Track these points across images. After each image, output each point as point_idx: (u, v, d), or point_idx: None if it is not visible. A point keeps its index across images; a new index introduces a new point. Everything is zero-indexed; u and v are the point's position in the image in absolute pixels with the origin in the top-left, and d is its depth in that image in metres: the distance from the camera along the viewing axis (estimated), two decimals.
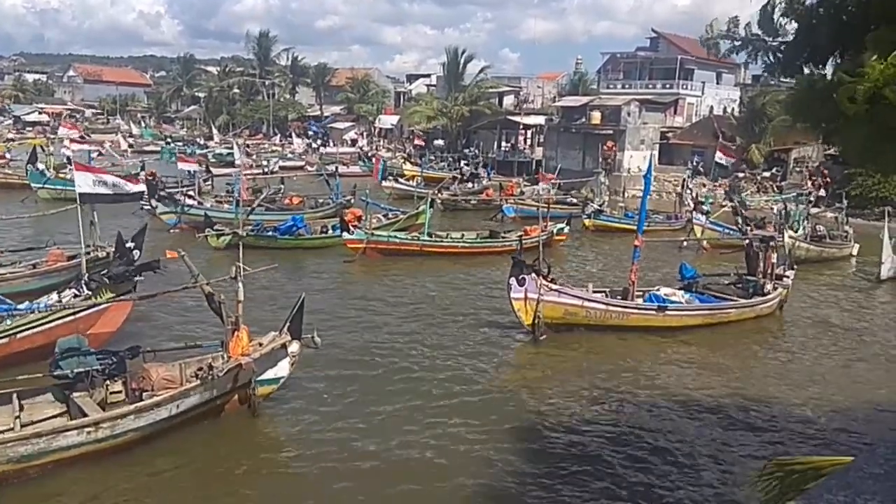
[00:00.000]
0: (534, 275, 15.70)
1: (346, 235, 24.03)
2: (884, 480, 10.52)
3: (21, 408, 10.17)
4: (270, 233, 25.10)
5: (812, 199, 36.95)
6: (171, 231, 25.80)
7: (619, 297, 17.15)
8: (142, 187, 18.64)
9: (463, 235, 26.78)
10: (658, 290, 18.18)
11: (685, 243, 26.41)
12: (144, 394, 10.63)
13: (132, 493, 9.41)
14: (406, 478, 10.04)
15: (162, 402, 10.27)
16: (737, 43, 7.41)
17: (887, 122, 5.17)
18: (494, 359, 15.09)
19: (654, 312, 17.02)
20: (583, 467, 10.47)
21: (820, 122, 6.33)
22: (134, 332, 14.25)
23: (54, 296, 13.98)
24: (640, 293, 17.48)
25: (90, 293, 13.50)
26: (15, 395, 10.19)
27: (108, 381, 10.57)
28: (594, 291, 17.19)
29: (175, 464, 10.13)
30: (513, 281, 15.61)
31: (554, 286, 16.07)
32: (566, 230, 27.44)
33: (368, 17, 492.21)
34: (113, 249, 16.41)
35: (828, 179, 41.36)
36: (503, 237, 26.78)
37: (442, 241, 25.63)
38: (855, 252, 28.52)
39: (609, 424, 11.99)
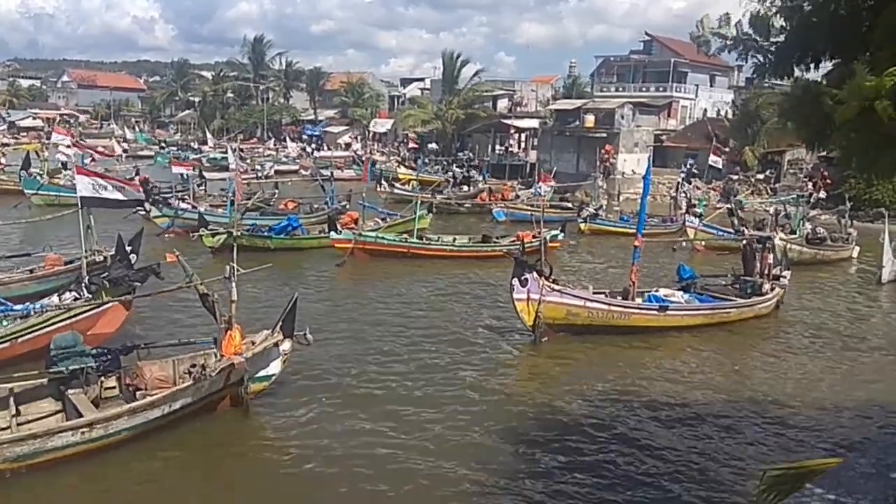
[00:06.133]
0: (535, 275, 15.71)
1: (333, 235, 24.08)
2: (875, 479, 10.55)
3: (17, 405, 10.23)
4: (265, 233, 25.14)
5: (812, 201, 37.05)
6: (166, 236, 25.76)
7: (619, 298, 17.20)
8: (141, 196, 18.30)
9: (455, 239, 26.76)
10: (657, 290, 18.25)
11: (684, 244, 26.51)
12: (138, 392, 10.70)
13: (126, 491, 9.43)
14: (399, 477, 10.02)
15: (156, 402, 10.29)
16: (728, 42, 7.45)
17: (877, 130, 5.21)
18: (490, 360, 15.08)
19: (655, 312, 17.06)
20: (583, 469, 10.45)
21: (814, 127, 6.36)
22: (129, 330, 14.26)
23: (55, 298, 14.01)
24: (640, 294, 17.52)
25: (90, 296, 13.55)
26: (11, 393, 10.23)
27: (102, 378, 10.63)
28: (594, 292, 17.23)
29: (167, 461, 10.14)
30: (515, 281, 15.56)
31: (556, 287, 16.07)
32: (560, 237, 27.22)
33: (364, 21, 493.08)
34: (110, 254, 16.39)
35: (828, 181, 41.43)
36: (495, 241, 26.78)
37: (431, 244, 25.59)
38: (855, 255, 28.55)
39: (610, 426, 11.98)
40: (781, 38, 6.97)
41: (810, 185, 42.18)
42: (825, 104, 5.55)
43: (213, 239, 22.92)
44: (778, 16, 6.64)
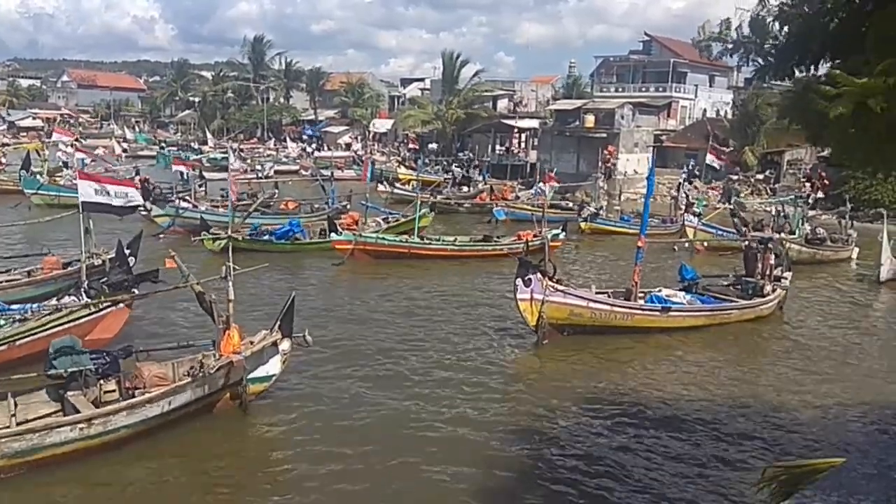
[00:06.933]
0: (539, 275, 15.71)
1: (333, 236, 24.09)
2: (877, 481, 10.57)
3: (16, 407, 10.23)
4: (267, 237, 25.16)
5: (810, 201, 37.06)
6: (161, 236, 25.68)
7: (621, 298, 17.20)
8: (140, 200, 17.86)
9: (456, 239, 26.77)
10: (659, 291, 18.25)
11: (686, 245, 26.50)
12: (137, 391, 10.70)
13: (124, 490, 9.43)
14: (398, 478, 10.02)
15: (154, 399, 10.31)
16: (729, 45, 7.48)
17: (874, 124, 5.25)
18: (493, 360, 15.06)
19: (657, 313, 17.07)
20: (584, 470, 10.44)
21: (811, 123, 6.38)
22: (127, 332, 14.23)
23: (53, 302, 13.98)
24: (642, 294, 17.52)
25: (89, 301, 13.53)
26: (10, 395, 10.23)
27: (101, 381, 10.62)
28: (597, 293, 17.24)
29: (166, 461, 10.16)
30: (519, 281, 15.57)
31: (559, 287, 16.06)
32: (561, 236, 27.10)
33: (364, 21, 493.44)
34: (109, 257, 16.36)
35: (826, 182, 41.44)
36: (496, 241, 26.80)
37: (431, 244, 25.57)
38: (855, 255, 28.56)
39: (611, 425, 11.98)
40: (781, 40, 7.00)
41: (808, 185, 42.17)
42: (817, 102, 5.57)
43: (214, 243, 22.93)
44: (776, 22, 6.68)
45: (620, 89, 57.75)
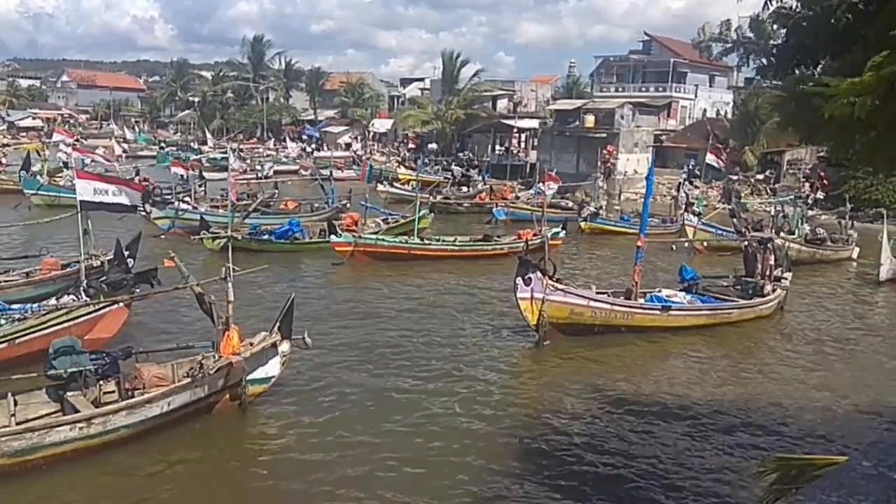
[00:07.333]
0: (539, 274, 15.71)
1: (333, 238, 24.08)
2: (877, 481, 10.57)
3: (16, 406, 10.24)
4: (266, 237, 25.16)
5: (809, 201, 37.03)
6: (163, 237, 25.69)
7: (622, 298, 17.19)
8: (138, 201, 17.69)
9: (456, 239, 26.77)
10: (659, 291, 18.26)
11: (686, 244, 26.47)
12: (136, 392, 10.71)
13: (124, 490, 9.43)
14: (399, 477, 10.02)
15: (153, 399, 10.32)
16: (728, 45, 7.51)
17: (871, 122, 5.29)
18: (492, 360, 15.06)
19: (658, 312, 17.07)
20: (584, 467, 10.46)
21: (808, 124, 6.42)
22: (127, 332, 14.23)
23: (52, 301, 13.99)
24: (642, 294, 17.52)
25: (88, 300, 13.54)
26: (10, 395, 10.24)
27: (101, 382, 10.63)
28: (597, 292, 17.23)
29: (166, 461, 10.15)
30: (519, 281, 15.56)
31: (560, 286, 16.06)
32: (561, 235, 27.23)
33: (363, 21, 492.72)
34: (107, 258, 16.36)
35: (825, 182, 41.44)
36: (496, 240, 26.79)
37: (431, 245, 25.56)
38: (855, 255, 28.59)
39: (611, 424, 12.00)
40: (781, 40, 7.03)
41: (807, 185, 42.15)
42: (815, 103, 5.60)
43: (213, 242, 22.94)
44: (776, 25, 6.73)
45: (620, 89, 57.73)
